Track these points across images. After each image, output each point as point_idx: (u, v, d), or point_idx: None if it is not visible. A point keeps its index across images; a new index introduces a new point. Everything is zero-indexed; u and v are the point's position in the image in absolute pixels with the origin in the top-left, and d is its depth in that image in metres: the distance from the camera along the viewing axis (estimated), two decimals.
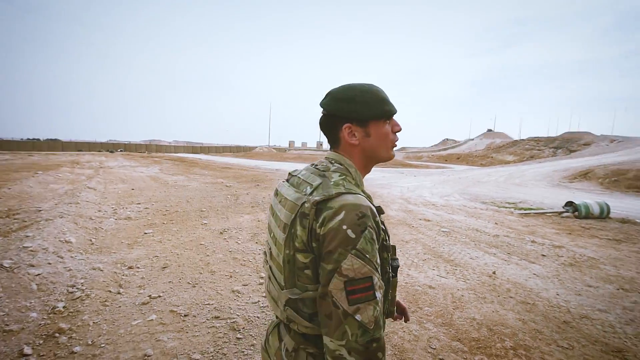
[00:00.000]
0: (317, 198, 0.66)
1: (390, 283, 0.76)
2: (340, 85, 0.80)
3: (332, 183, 0.70)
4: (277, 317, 0.81)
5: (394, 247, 0.78)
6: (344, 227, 0.61)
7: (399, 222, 7.66)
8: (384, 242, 0.71)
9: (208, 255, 4.63)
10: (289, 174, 0.86)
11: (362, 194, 0.71)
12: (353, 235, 0.61)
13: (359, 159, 0.79)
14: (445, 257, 5.26)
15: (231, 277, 3.85)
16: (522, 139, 50.69)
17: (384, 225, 0.72)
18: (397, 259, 0.81)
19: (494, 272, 4.61)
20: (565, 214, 8.73)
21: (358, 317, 0.59)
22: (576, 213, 8.50)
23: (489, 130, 78.54)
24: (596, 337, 2.82)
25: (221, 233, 5.74)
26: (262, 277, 3.90)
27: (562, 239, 6.55)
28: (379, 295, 0.62)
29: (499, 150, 46.64)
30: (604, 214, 8.33)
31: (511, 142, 53.24)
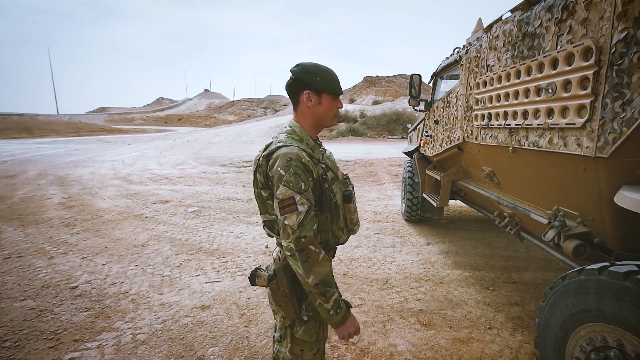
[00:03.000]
0: (264, 153, 1.12)
1: (338, 207, 1.21)
2: (309, 61, 1.18)
3: (277, 141, 1.13)
4: None
5: (344, 179, 1.29)
6: (279, 169, 1.05)
7: (122, 216, 5.41)
8: (323, 177, 1.16)
9: None
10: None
11: (295, 145, 1.11)
12: (283, 173, 1.04)
13: (310, 120, 1.20)
14: (206, 248, 4.13)
15: None
16: (238, 100, 58.34)
17: (323, 163, 1.19)
18: (349, 189, 1.29)
19: (266, 246, 4.14)
20: None
21: (286, 222, 1.03)
22: None
23: (206, 91, 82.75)
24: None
25: None
26: None
27: None
28: (300, 208, 1.02)
29: (220, 111, 50.73)
30: None
31: (229, 102, 59.62)
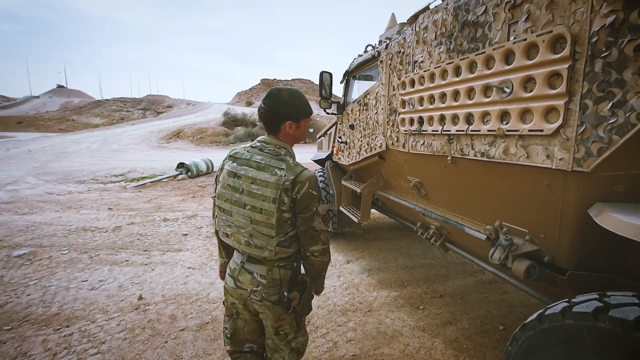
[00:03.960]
0: (292, 177, 1.24)
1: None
2: (275, 87, 1.32)
3: (293, 165, 1.28)
4: (241, 261, 1.37)
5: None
6: (310, 190, 1.26)
7: None
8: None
9: None
10: (232, 157, 1.37)
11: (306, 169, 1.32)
12: (316, 193, 1.28)
13: (291, 141, 1.38)
14: (37, 314, 2.74)
15: None
16: (107, 99, 48.86)
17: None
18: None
19: (139, 298, 3.03)
20: (180, 177, 8.92)
21: (328, 228, 1.35)
22: (189, 173, 8.96)
23: (60, 87, 66.73)
24: None
25: None
26: None
27: (190, 205, 6.37)
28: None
29: (81, 112, 41.45)
30: (210, 169, 9.56)
31: (94, 102, 49.36)
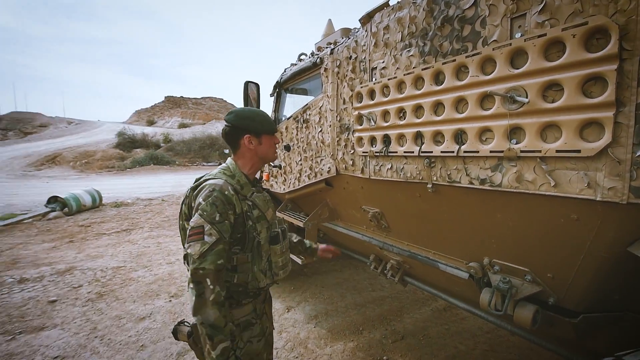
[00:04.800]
0: (193, 185, 1.21)
1: (262, 248, 1.26)
2: (239, 108, 1.34)
3: (208, 174, 1.24)
4: None
5: (274, 220, 1.36)
6: (200, 198, 1.13)
7: None
8: (248, 214, 1.22)
9: None
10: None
11: (224, 179, 1.20)
12: (202, 201, 1.11)
13: (251, 160, 1.30)
14: None
15: None
16: None
17: (250, 201, 1.25)
18: (277, 230, 1.33)
19: None
20: (52, 214, 6.86)
21: (189, 250, 1.08)
22: (66, 209, 6.99)
23: None
24: None
25: None
26: None
27: (66, 253, 4.78)
28: (207, 238, 1.07)
29: None
30: (97, 203, 7.66)
31: None
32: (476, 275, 1.59)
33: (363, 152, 1.83)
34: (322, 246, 1.78)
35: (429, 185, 1.49)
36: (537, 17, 1.03)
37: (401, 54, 1.55)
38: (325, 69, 2.14)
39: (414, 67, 1.48)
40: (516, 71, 1.09)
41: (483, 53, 1.18)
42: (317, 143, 2.33)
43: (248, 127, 1.25)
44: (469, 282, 1.71)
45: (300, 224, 2.60)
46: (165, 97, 40.18)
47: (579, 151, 0.97)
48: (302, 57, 2.73)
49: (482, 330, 2.66)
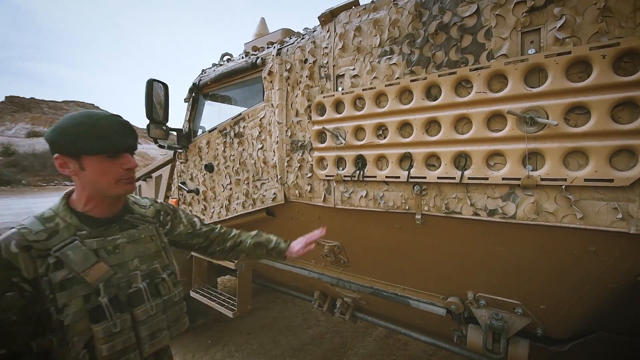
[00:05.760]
0: None
1: (70, 329, 0.79)
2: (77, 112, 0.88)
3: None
4: None
5: (98, 284, 0.83)
6: None
7: None
8: (44, 277, 0.79)
9: None
10: None
11: (24, 228, 0.81)
12: None
13: (81, 190, 0.88)
14: None
15: None
16: None
17: (55, 258, 0.80)
18: (100, 301, 0.82)
19: None
20: None
21: None
22: None
23: None
24: None
25: None
26: None
27: None
28: None
29: None
30: None
31: None
32: (456, 311, 1.45)
33: (326, 176, 1.51)
34: (296, 243, 1.29)
35: (418, 217, 1.27)
36: (557, 33, 0.94)
37: (379, 61, 1.31)
38: (270, 73, 1.74)
39: (397, 78, 1.26)
40: (535, 90, 0.98)
41: (492, 67, 1.04)
42: (255, 163, 1.88)
43: (60, 144, 0.84)
44: (439, 317, 1.56)
45: (231, 266, 2.05)
46: (6, 97, 30.80)
47: (611, 180, 0.89)
48: (227, 57, 2.25)
49: (427, 353, 2.61)
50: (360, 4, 1.40)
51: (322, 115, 1.51)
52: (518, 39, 1.02)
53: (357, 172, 1.39)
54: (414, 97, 1.22)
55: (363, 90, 1.35)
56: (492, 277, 1.29)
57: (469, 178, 1.11)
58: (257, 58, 1.81)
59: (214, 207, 2.23)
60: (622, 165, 0.89)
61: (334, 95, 1.45)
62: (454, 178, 1.14)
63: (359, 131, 1.39)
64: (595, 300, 1.11)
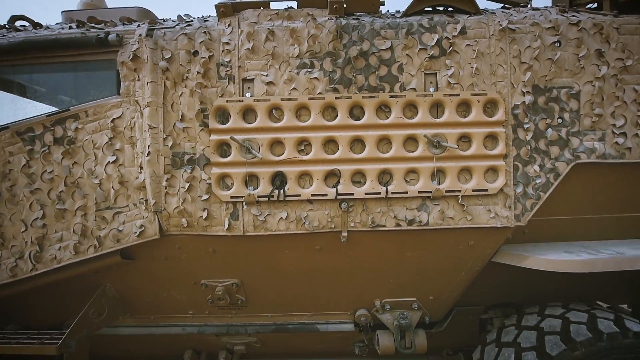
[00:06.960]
0: None
1: None
2: None
3: None
4: None
5: None
6: None
7: None
8: None
9: None
10: None
11: None
12: None
13: None
14: None
15: None
16: None
17: None
18: None
19: None
20: None
21: None
22: None
23: None
24: None
25: None
26: None
27: None
28: None
29: None
30: None
31: None
32: (364, 323, 1.51)
33: (232, 197, 1.23)
34: None
35: (344, 234, 1.25)
36: (450, 79, 1.21)
37: (298, 72, 1.23)
38: (135, 58, 1.25)
39: (319, 93, 1.23)
40: (438, 120, 1.21)
41: (408, 97, 1.20)
42: (102, 184, 1.27)
43: None
44: (342, 335, 1.59)
45: (52, 352, 1.23)
46: None
47: (486, 190, 1.21)
48: (27, 24, 1.45)
49: None
50: (271, 7, 1.28)
51: (225, 124, 1.23)
52: (422, 77, 1.23)
53: (277, 190, 1.21)
54: (339, 115, 1.22)
55: (281, 100, 1.22)
56: (400, 280, 1.44)
57: (392, 193, 1.21)
58: (109, 34, 1.26)
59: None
60: (491, 179, 1.24)
61: (242, 100, 1.22)
62: (380, 193, 1.21)
63: (275, 145, 1.23)
64: (466, 283, 1.45)
